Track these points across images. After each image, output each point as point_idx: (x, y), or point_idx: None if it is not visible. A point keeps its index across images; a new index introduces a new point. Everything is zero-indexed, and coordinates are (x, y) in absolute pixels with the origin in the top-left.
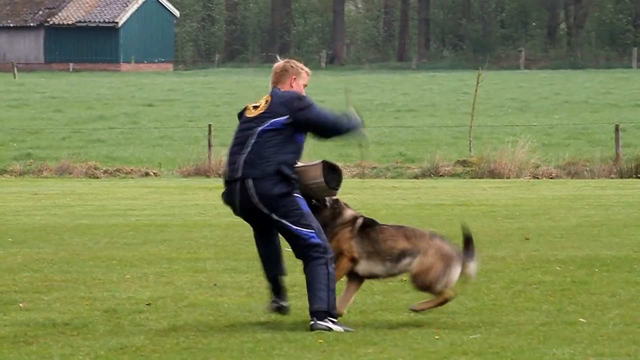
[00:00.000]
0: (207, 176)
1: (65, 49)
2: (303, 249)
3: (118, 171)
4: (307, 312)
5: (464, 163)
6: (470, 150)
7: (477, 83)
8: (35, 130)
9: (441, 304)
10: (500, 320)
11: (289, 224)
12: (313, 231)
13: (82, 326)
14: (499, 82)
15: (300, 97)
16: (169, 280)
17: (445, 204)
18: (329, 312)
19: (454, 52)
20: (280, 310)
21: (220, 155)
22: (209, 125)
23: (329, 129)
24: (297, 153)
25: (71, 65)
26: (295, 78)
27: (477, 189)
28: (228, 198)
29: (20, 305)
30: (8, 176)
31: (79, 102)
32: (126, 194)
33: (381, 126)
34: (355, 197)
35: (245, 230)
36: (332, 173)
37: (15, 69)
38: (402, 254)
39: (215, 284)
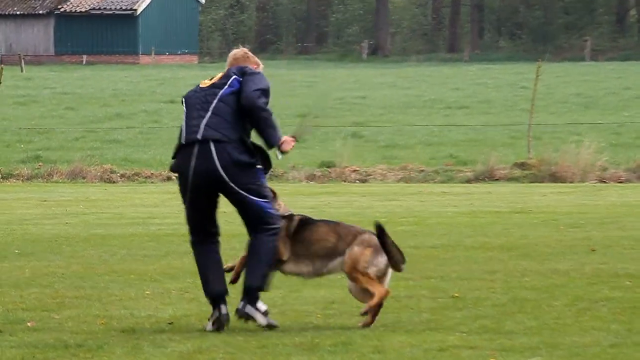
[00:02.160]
0: None
1: (78, 40)
2: (258, 220)
3: (137, 175)
4: (338, 331)
5: (522, 166)
6: (529, 152)
7: (537, 76)
8: (44, 130)
9: (384, 297)
10: (564, 342)
11: (251, 197)
12: (269, 202)
13: (97, 348)
14: (562, 75)
15: (257, 71)
16: (194, 297)
17: (502, 212)
18: (262, 288)
19: (511, 42)
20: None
21: None
22: None
23: (257, 112)
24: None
25: (84, 57)
26: (256, 67)
27: (537, 195)
28: (181, 163)
29: (29, 324)
30: (15, 181)
31: (93, 98)
32: (146, 201)
33: (430, 125)
34: (401, 203)
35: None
36: (259, 156)
37: (23, 61)
38: (333, 254)
39: None
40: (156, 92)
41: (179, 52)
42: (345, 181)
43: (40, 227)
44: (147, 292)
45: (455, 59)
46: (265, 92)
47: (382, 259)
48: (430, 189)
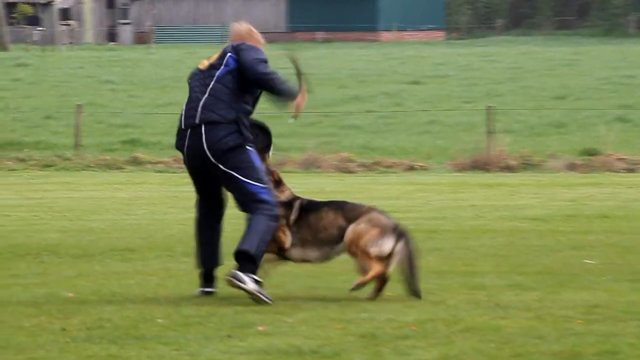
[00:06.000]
0: (487, 170)
1: (312, 15)
2: (250, 203)
3: (376, 164)
4: (602, 338)
5: None
6: None
7: None
8: (274, 115)
9: (378, 276)
10: None
11: (238, 176)
12: (264, 187)
13: (333, 354)
14: None
15: (251, 45)
16: (440, 299)
17: None
18: (254, 259)
19: None
20: (207, 294)
21: (503, 145)
22: (489, 107)
23: (262, 80)
24: (252, 105)
25: (319, 34)
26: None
27: None
28: (179, 144)
29: (259, 328)
30: None
31: (329, 79)
32: (386, 193)
33: None
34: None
35: (534, 238)
36: (260, 133)
37: None
38: (341, 237)
39: (496, 304)
40: (398, 72)
41: (424, 28)
42: (609, 171)
43: None
44: (389, 294)
45: None
46: (264, 61)
47: (388, 243)
48: None
